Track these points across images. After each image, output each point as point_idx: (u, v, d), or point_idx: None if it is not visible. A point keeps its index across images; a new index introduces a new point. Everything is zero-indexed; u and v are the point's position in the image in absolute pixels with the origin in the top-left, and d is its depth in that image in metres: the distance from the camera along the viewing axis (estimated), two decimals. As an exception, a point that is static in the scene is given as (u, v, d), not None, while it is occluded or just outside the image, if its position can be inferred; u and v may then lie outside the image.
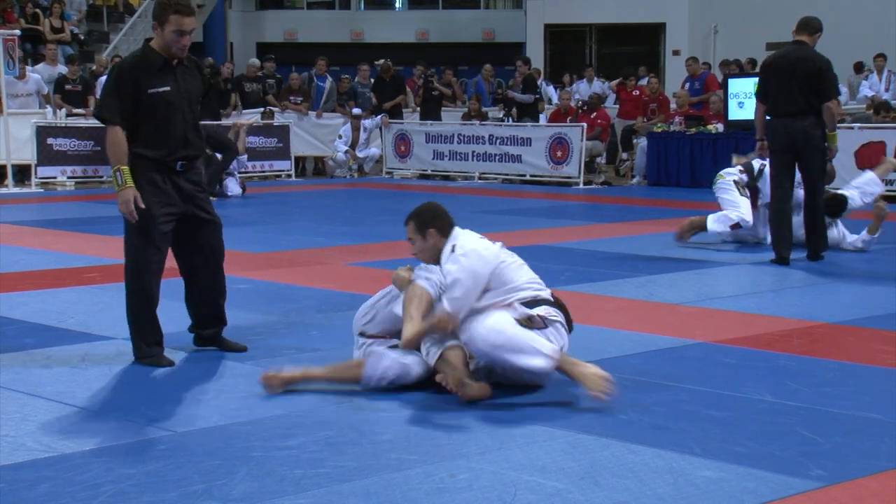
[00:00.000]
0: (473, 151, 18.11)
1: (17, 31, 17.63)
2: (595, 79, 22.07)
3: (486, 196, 15.56)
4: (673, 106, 18.39)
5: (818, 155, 8.77)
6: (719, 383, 5.15)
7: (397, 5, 33.90)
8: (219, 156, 15.10)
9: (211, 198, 15.59)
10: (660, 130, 17.07)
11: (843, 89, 20.01)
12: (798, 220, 9.17)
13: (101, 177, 16.49)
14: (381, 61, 20.21)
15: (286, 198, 15.78)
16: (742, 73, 18.06)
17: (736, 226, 9.86)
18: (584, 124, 17.22)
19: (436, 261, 5.12)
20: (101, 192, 15.50)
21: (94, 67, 19.33)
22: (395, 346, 5.09)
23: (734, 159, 10.69)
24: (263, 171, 18.44)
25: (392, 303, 5.18)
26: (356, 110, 18.86)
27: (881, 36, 21.66)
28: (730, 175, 10.12)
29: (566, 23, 28.13)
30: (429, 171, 18.56)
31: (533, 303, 5.06)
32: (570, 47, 28.64)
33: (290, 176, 18.68)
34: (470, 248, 5.04)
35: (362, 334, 5.26)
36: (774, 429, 4.44)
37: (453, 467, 3.96)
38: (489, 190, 16.65)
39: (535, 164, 17.37)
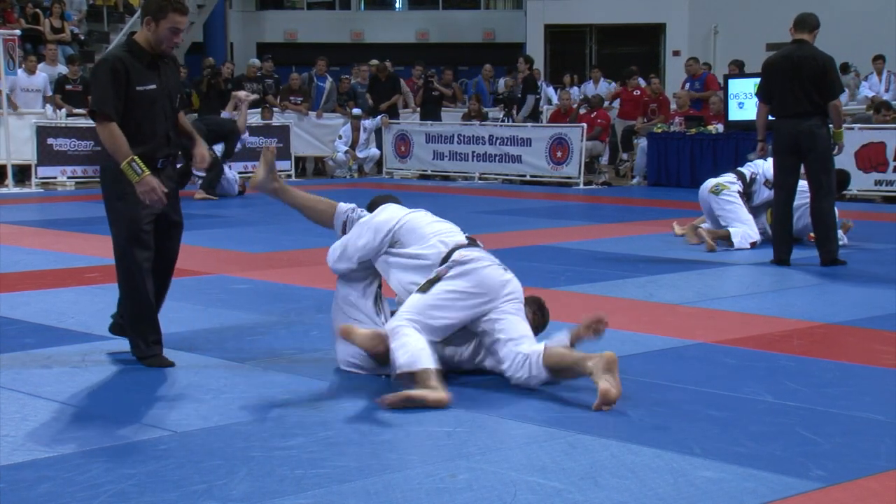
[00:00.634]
0: (473, 152, 18.11)
1: (18, 31, 17.64)
2: (602, 79, 22.03)
3: (487, 196, 15.56)
4: (673, 106, 18.39)
5: (824, 155, 8.72)
6: (719, 383, 5.15)
7: (397, 5, 33.90)
8: (218, 152, 15.11)
9: (211, 198, 15.69)
10: (660, 131, 17.07)
11: (844, 88, 20.01)
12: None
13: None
14: (374, 62, 20.22)
15: (286, 198, 15.75)
16: (742, 73, 18.05)
17: (753, 244, 9.78)
18: (584, 124, 17.22)
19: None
20: (101, 192, 15.47)
21: (95, 67, 19.33)
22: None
23: (750, 156, 10.61)
24: (263, 172, 18.42)
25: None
26: (356, 110, 18.86)
27: (880, 37, 21.67)
28: (733, 185, 10.03)
29: (566, 23, 28.14)
30: (429, 172, 18.57)
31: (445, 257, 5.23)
32: (570, 47, 28.65)
33: (290, 176, 18.68)
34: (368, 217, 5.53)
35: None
36: (774, 429, 4.44)
37: (453, 467, 3.96)
38: (489, 190, 16.65)
39: (536, 165, 17.37)
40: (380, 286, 5.49)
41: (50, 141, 16.32)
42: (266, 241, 10.40)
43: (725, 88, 16.71)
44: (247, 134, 16.24)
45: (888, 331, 6.37)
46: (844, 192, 9.97)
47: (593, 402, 4.73)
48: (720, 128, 16.44)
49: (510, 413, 4.67)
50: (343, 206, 5.67)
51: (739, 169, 10.27)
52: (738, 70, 18.55)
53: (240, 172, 16.71)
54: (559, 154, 17.07)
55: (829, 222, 8.80)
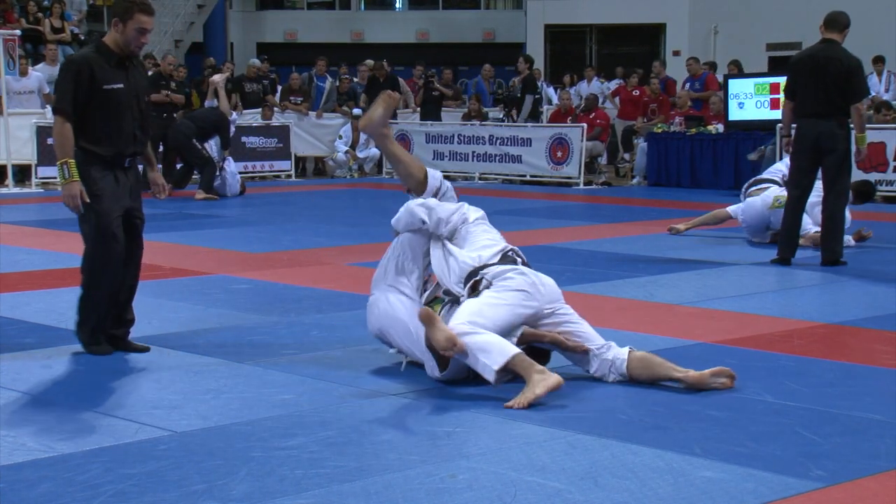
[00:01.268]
0: (473, 152, 18.11)
1: (18, 32, 17.63)
2: (595, 79, 22.04)
3: (487, 196, 15.55)
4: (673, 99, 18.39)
5: (842, 156, 8.67)
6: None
7: (397, 5, 33.90)
8: (214, 152, 15.10)
9: (212, 198, 15.68)
10: (660, 131, 17.07)
11: (870, 91, 20.00)
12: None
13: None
14: (369, 62, 20.22)
15: (286, 198, 15.79)
16: (742, 73, 18.06)
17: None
18: (584, 125, 17.22)
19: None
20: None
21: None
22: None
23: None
24: (263, 171, 18.45)
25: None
26: (356, 110, 18.85)
27: (880, 37, 21.66)
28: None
29: (566, 23, 28.14)
30: (429, 172, 18.54)
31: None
32: (570, 47, 28.65)
33: (290, 176, 18.68)
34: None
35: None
36: (774, 429, 4.44)
37: (453, 467, 3.96)
38: (489, 190, 16.64)
39: (536, 165, 17.38)
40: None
41: (50, 141, 16.26)
42: (266, 241, 10.39)
43: (725, 88, 16.71)
44: (234, 115, 16.24)
45: (888, 331, 6.37)
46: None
47: (594, 403, 4.72)
48: (720, 128, 16.44)
49: (510, 413, 4.67)
50: (436, 174, 5.66)
51: (771, 178, 10.24)
52: (738, 70, 18.56)
53: (240, 172, 16.70)
54: (559, 154, 17.07)
55: (838, 223, 8.79)
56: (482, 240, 5.42)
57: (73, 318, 6.63)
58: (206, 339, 6.16)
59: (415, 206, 5.46)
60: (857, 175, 11.13)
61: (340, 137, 18.88)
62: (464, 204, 5.57)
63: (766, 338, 6.17)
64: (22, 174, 16.66)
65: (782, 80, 15.23)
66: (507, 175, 17.81)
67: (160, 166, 15.55)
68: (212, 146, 15.23)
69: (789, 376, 5.31)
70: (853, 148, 8.75)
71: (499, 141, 17.79)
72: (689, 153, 16.54)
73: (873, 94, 19.00)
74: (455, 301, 5.23)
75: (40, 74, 17.83)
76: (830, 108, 8.59)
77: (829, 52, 8.66)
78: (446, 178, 5.79)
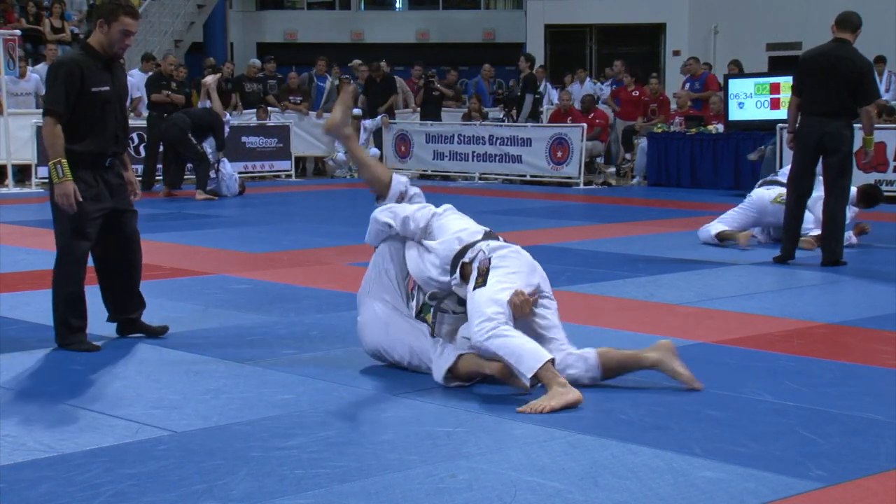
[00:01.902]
0: (473, 152, 18.11)
1: (18, 31, 17.63)
2: (587, 79, 22.01)
3: (487, 196, 15.56)
4: (673, 106, 18.39)
5: (846, 157, 8.67)
6: (719, 383, 5.15)
7: (397, 5, 33.89)
8: (209, 151, 15.09)
9: (212, 198, 15.65)
10: (660, 131, 17.07)
11: (880, 94, 19.99)
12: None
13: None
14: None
15: (286, 198, 15.79)
16: (742, 73, 18.05)
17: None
18: (584, 125, 17.22)
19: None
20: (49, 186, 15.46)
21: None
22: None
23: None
24: (263, 172, 18.45)
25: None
26: (356, 110, 18.84)
27: (880, 37, 21.65)
28: None
29: (566, 23, 28.13)
30: (429, 172, 18.57)
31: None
32: (570, 47, 28.63)
33: (290, 176, 18.69)
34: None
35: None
36: (774, 429, 4.44)
37: (453, 467, 3.96)
38: (489, 190, 16.65)
39: (536, 165, 17.38)
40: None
41: (50, 141, 16.27)
42: (266, 241, 10.40)
43: (725, 88, 16.70)
44: (227, 116, 16.24)
45: (888, 331, 6.37)
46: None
47: (593, 403, 4.73)
48: (720, 128, 16.44)
49: (510, 413, 4.67)
50: (402, 178, 5.67)
51: (778, 179, 10.24)
52: (738, 70, 18.55)
53: (240, 172, 16.71)
54: (559, 154, 17.07)
55: (838, 224, 8.78)
56: (457, 225, 5.41)
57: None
58: (205, 339, 6.16)
59: (378, 214, 5.47)
60: (857, 176, 11.15)
61: (340, 137, 18.86)
62: (429, 204, 5.57)
63: (766, 338, 6.17)
64: (22, 174, 16.66)
65: (782, 80, 15.31)
66: (507, 175, 17.81)
67: (160, 166, 15.70)
68: (207, 148, 15.21)
69: (789, 376, 5.31)
70: (855, 149, 8.77)
71: (499, 141, 17.79)
72: (689, 153, 16.54)
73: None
74: (444, 299, 5.21)
75: (37, 76, 17.81)
76: (839, 108, 8.58)
77: (840, 52, 8.64)
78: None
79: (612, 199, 15.12)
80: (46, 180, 6.20)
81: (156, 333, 6.17)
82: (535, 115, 18.60)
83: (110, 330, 6.21)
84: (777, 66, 20.76)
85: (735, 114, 16.21)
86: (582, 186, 16.70)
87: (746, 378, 5.26)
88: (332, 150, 19.01)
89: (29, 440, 4.32)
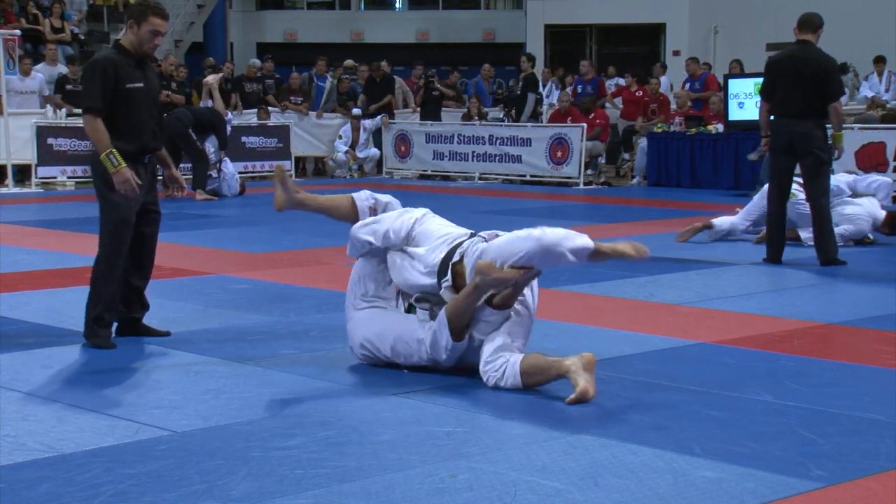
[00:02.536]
0: (473, 152, 18.11)
1: (18, 31, 17.63)
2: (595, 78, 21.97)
3: (487, 196, 15.56)
4: (673, 106, 18.39)
5: (819, 157, 8.72)
6: (719, 383, 5.15)
7: (397, 5, 33.89)
8: (212, 150, 15.08)
9: (211, 198, 15.63)
10: (660, 131, 17.07)
11: (845, 90, 20.00)
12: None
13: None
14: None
15: (286, 198, 15.74)
16: (742, 73, 18.05)
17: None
18: (584, 125, 17.22)
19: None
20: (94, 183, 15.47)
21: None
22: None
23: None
24: (263, 172, 18.45)
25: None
26: (356, 110, 18.86)
27: (880, 37, 21.65)
28: (800, 194, 9.91)
29: (566, 23, 28.12)
30: (429, 172, 18.56)
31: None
32: (570, 47, 28.62)
33: (290, 176, 18.65)
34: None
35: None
36: (774, 429, 4.44)
37: (453, 467, 3.96)
38: (489, 190, 16.65)
39: (536, 165, 17.37)
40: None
41: (50, 141, 16.31)
42: (266, 241, 10.40)
43: (725, 88, 16.71)
44: (229, 115, 16.23)
45: (888, 331, 6.37)
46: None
47: (593, 403, 4.73)
48: (720, 128, 16.43)
49: (510, 413, 4.67)
50: (363, 194, 5.67)
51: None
52: (740, 70, 18.55)
53: (240, 172, 16.71)
54: (559, 154, 17.07)
55: (825, 223, 8.80)
56: (441, 230, 5.41)
57: (72, 318, 6.64)
58: (205, 339, 6.16)
59: (357, 231, 5.47)
60: (856, 173, 11.15)
61: (340, 137, 18.88)
62: (406, 210, 5.56)
63: (766, 338, 6.17)
64: (22, 174, 16.66)
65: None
66: (507, 175, 17.81)
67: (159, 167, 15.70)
68: (209, 149, 15.20)
69: (789, 376, 5.31)
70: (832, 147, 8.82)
71: (499, 141, 17.79)
72: (689, 153, 16.54)
73: (873, 94, 19.02)
74: (435, 305, 5.24)
75: (42, 76, 17.86)
76: (807, 109, 8.66)
77: (805, 53, 8.75)
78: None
79: (612, 199, 15.11)
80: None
81: (157, 335, 6.18)
82: (535, 115, 18.60)
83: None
84: (777, 66, 20.73)
85: (735, 114, 16.21)
86: (582, 186, 16.70)
87: (746, 378, 5.26)
88: (332, 150, 19.02)
89: (29, 440, 4.32)
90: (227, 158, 15.49)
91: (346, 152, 18.80)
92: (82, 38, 22.05)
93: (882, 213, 10.05)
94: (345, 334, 5.63)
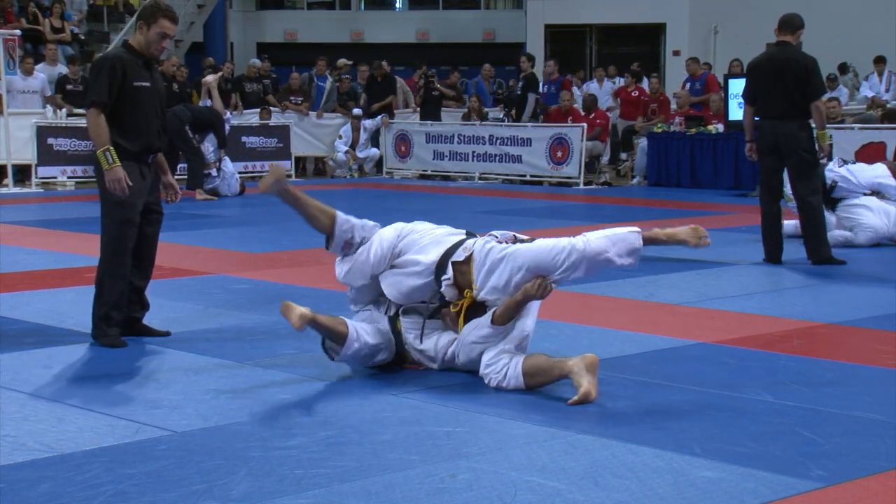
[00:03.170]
0: (474, 152, 18.10)
1: (18, 31, 17.62)
2: (606, 79, 21.96)
3: (487, 196, 15.56)
4: (673, 106, 18.38)
5: (804, 157, 8.73)
6: (719, 383, 5.15)
7: (397, 5, 33.90)
8: (211, 150, 15.06)
9: (211, 198, 15.59)
10: (660, 131, 17.06)
11: (843, 90, 20.00)
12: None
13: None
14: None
15: (286, 198, 15.73)
16: (742, 72, 18.04)
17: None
18: (585, 125, 17.21)
19: None
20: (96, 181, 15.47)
21: (95, 67, 19.32)
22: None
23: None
24: (264, 171, 18.45)
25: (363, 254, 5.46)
26: (356, 110, 18.85)
27: (880, 37, 21.66)
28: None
29: (566, 23, 28.13)
30: (429, 172, 18.56)
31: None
32: (570, 47, 28.63)
33: (290, 176, 18.65)
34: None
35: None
36: (774, 429, 4.44)
37: (453, 467, 3.96)
38: (489, 190, 16.64)
39: (536, 165, 17.37)
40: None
41: (50, 141, 16.31)
42: (266, 241, 10.40)
43: (725, 88, 16.70)
44: (228, 114, 16.21)
45: (888, 331, 6.37)
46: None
47: (594, 402, 4.73)
48: (720, 128, 16.43)
49: (510, 413, 4.67)
50: (343, 224, 5.52)
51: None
52: (741, 69, 18.55)
53: (240, 172, 16.71)
54: (559, 154, 17.07)
55: (814, 222, 8.82)
56: (426, 237, 5.38)
57: (72, 318, 6.65)
58: (205, 338, 6.16)
59: (343, 280, 5.47)
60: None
61: (340, 137, 18.88)
62: (380, 232, 5.47)
63: (765, 338, 6.17)
64: (22, 174, 16.66)
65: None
66: (508, 175, 17.80)
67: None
68: (208, 148, 15.18)
69: (789, 376, 5.31)
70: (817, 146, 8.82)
71: (499, 141, 17.79)
72: (689, 153, 16.53)
73: (873, 93, 19.04)
74: (427, 314, 5.28)
75: (43, 76, 17.86)
76: (790, 110, 8.71)
77: (785, 54, 8.81)
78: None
79: (612, 199, 15.11)
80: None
81: (157, 335, 6.19)
82: (536, 115, 18.59)
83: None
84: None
85: (735, 114, 16.16)
86: (582, 186, 16.69)
87: (746, 378, 5.26)
88: (333, 150, 19.02)
89: (29, 440, 4.32)
90: (226, 158, 15.48)
91: (346, 152, 18.80)
92: (82, 38, 22.05)
93: None
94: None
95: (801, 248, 9.31)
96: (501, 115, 19.49)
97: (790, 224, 9.59)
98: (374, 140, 19.20)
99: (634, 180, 17.59)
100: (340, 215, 5.51)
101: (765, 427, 4.46)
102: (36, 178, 16.21)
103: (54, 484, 3.80)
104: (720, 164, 16.25)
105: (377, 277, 5.41)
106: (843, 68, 21.08)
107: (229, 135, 15.94)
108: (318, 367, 5.48)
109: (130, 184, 5.89)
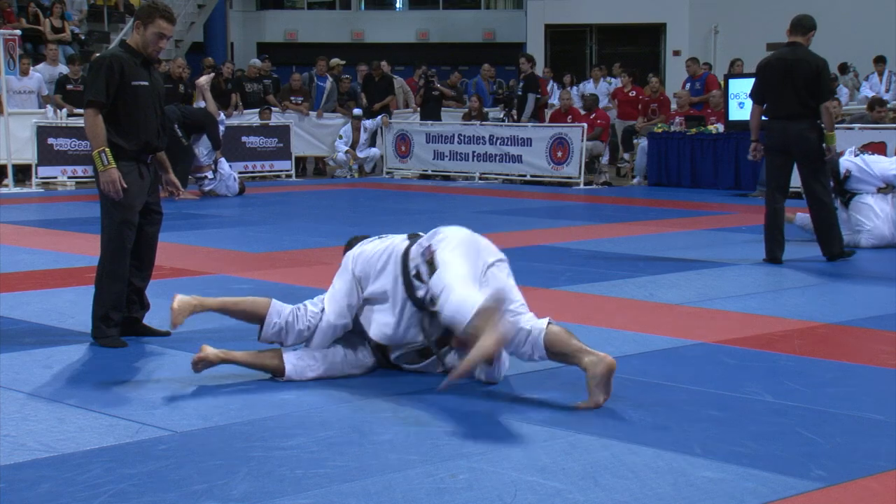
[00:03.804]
0: (474, 151, 18.11)
1: (18, 31, 17.63)
2: (602, 79, 21.97)
3: (487, 196, 15.56)
4: (673, 106, 18.39)
5: (815, 156, 8.79)
6: (719, 383, 5.15)
7: (398, 5, 33.90)
8: (204, 152, 15.04)
9: (193, 196, 15.53)
10: (660, 131, 17.07)
11: (844, 90, 20.01)
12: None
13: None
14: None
15: (287, 198, 15.78)
16: (742, 72, 18.05)
17: None
18: (585, 124, 17.22)
19: None
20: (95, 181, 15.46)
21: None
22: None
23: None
24: (263, 171, 18.45)
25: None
26: (357, 110, 18.86)
27: (880, 37, 21.67)
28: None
29: (566, 23, 28.13)
30: (429, 172, 18.56)
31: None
32: (570, 47, 28.64)
33: (290, 176, 18.68)
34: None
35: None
36: (774, 429, 4.44)
37: (453, 467, 3.96)
38: (490, 190, 16.64)
39: (536, 165, 17.37)
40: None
41: (50, 141, 16.31)
42: (266, 241, 10.40)
43: (725, 88, 16.70)
44: (222, 115, 16.17)
45: (888, 331, 6.37)
46: None
47: (590, 402, 4.74)
48: (720, 128, 16.43)
49: (510, 413, 4.67)
50: (274, 317, 5.38)
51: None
52: (742, 69, 18.56)
53: (240, 172, 16.71)
54: (559, 154, 17.07)
55: (826, 221, 8.86)
56: (379, 247, 5.31)
57: (73, 318, 6.65)
58: (206, 339, 6.13)
59: (336, 320, 5.30)
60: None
61: (340, 137, 18.88)
62: (333, 298, 5.37)
63: (765, 338, 6.17)
64: (22, 174, 16.66)
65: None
66: (508, 175, 17.81)
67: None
68: (202, 151, 15.14)
69: (789, 376, 5.31)
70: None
71: (499, 141, 17.79)
72: (689, 153, 16.54)
73: (873, 93, 19.03)
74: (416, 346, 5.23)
75: (40, 75, 17.84)
76: (800, 110, 8.73)
77: (796, 55, 8.82)
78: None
79: (612, 199, 15.11)
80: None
81: (157, 335, 6.20)
82: (537, 115, 18.60)
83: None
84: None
85: (735, 114, 16.20)
86: (582, 186, 16.70)
87: (746, 378, 5.26)
88: (333, 150, 19.02)
89: (29, 440, 4.32)
90: (223, 159, 15.45)
91: (347, 152, 18.80)
92: (83, 38, 22.05)
93: None
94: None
95: (801, 247, 9.33)
96: (501, 115, 19.50)
97: (804, 216, 9.64)
98: (373, 141, 19.20)
99: (635, 180, 17.59)
100: (274, 304, 5.42)
101: (765, 427, 4.46)
102: (36, 178, 16.20)
103: (54, 484, 3.80)
104: (720, 164, 16.25)
105: (354, 317, 5.28)
106: (843, 68, 21.11)
107: (229, 135, 15.92)
108: (318, 367, 5.47)
109: (125, 186, 5.89)
